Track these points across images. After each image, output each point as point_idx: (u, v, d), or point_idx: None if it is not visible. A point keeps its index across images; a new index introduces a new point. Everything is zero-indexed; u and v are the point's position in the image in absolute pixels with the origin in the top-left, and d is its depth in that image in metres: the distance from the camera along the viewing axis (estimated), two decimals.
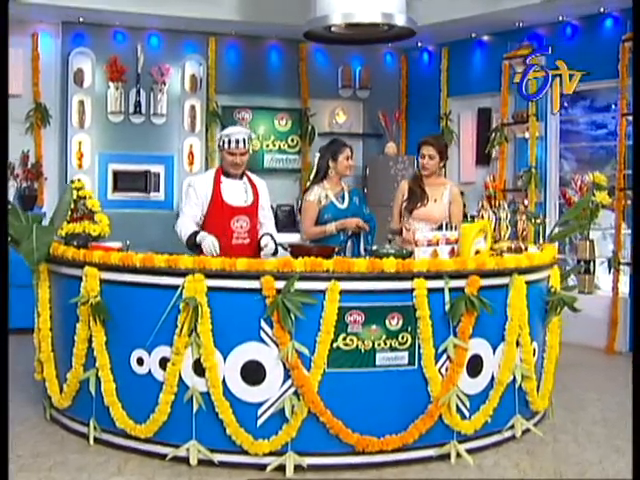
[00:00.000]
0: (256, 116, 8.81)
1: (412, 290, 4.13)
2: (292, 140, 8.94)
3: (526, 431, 4.69)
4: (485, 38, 8.44)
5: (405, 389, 4.19)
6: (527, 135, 7.90)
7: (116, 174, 8.21)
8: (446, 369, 4.23)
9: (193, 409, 4.10)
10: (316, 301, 4.00)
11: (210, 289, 4.07)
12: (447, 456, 4.26)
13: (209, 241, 4.77)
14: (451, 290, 4.22)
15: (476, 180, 8.64)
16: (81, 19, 7.83)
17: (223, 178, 5.08)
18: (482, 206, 5.43)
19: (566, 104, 8.15)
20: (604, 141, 8.01)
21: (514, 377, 4.53)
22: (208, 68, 8.51)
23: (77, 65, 8.02)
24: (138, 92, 8.19)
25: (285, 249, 4.55)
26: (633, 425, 3.86)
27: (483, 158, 8.51)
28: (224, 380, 4.08)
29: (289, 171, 8.89)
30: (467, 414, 4.33)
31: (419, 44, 8.99)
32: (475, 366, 4.36)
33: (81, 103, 8.04)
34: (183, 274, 4.10)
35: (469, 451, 4.34)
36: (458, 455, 4.26)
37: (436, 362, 4.20)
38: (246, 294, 4.05)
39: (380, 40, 6.19)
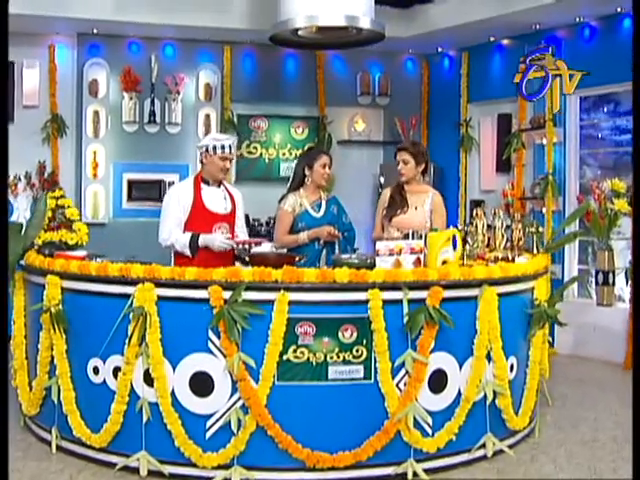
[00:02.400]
0: (272, 124, 8.79)
1: (367, 301, 4.00)
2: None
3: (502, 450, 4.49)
4: (504, 42, 8.21)
5: (360, 404, 4.06)
6: (545, 141, 7.63)
7: (131, 183, 8.30)
8: (405, 384, 4.08)
9: (143, 419, 4.06)
10: (263, 312, 3.92)
11: (160, 298, 4.04)
12: (406, 475, 4.10)
13: (218, 240, 4.79)
14: (412, 302, 4.08)
15: (496, 188, 8.39)
16: (95, 30, 7.96)
17: (203, 185, 5.07)
18: (476, 214, 5.28)
19: (588, 108, 7.87)
20: (629, 146, 7.66)
21: (485, 394, 4.35)
22: (223, 77, 8.53)
23: (92, 76, 8.15)
24: (152, 102, 8.26)
25: (242, 259, 4.47)
26: (633, 424, 3.64)
27: (503, 165, 8.27)
28: (173, 391, 4.04)
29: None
30: (430, 431, 4.17)
31: (439, 49, 8.84)
32: (438, 381, 4.19)
33: (96, 113, 8.16)
34: (135, 283, 4.08)
35: (434, 470, 4.18)
36: (417, 474, 4.09)
37: (393, 377, 4.05)
38: (195, 304, 4.01)
39: (351, 44, 6.05)
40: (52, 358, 4.46)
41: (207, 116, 8.53)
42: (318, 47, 6.29)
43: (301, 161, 5.25)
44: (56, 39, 8.12)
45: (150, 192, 8.31)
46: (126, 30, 8.04)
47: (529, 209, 7.96)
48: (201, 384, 4.01)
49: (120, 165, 8.29)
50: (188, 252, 4.89)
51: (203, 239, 4.86)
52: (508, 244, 5.26)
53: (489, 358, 4.35)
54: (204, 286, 3.97)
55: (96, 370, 4.25)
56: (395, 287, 4.05)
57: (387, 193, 5.29)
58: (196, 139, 8.41)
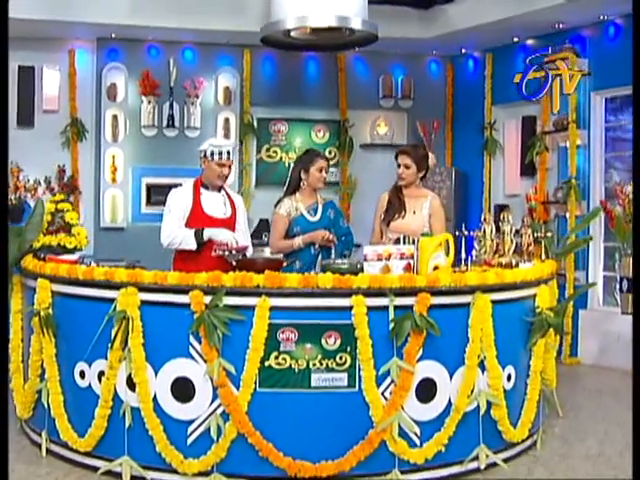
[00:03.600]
0: (292, 128, 8.79)
1: (351, 308, 3.96)
2: (330, 152, 8.82)
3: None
4: (529, 42, 8.07)
5: (344, 413, 4.02)
6: (568, 144, 7.47)
7: (149, 187, 8.38)
8: (390, 393, 4.03)
9: (126, 424, 4.09)
10: (244, 317, 3.91)
11: (143, 303, 4.06)
12: None
13: (221, 234, 4.78)
14: (399, 308, 4.02)
15: (521, 192, 8.25)
16: (113, 35, 8.07)
17: (202, 190, 5.09)
18: (484, 219, 5.21)
19: (614, 109, 7.68)
20: None
21: (478, 404, 4.26)
22: (243, 80, 8.58)
23: (110, 80, 8.28)
24: (171, 106, 8.35)
25: (230, 264, 4.46)
26: (633, 423, 3.66)
27: (528, 169, 8.12)
28: (155, 396, 4.05)
29: (327, 184, 8.73)
30: (417, 442, 4.10)
31: (463, 51, 8.75)
32: (427, 391, 4.12)
33: (115, 117, 8.29)
34: (119, 287, 4.11)
35: None
36: None
37: (378, 385, 4.00)
38: (177, 309, 4.02)
39: (343, 46, 6.01)
40: (42, 361, 4.51)
41: (226, 120, 8.58)
42: (311, 48, 6.27)
43: (297, 164, 5.23)
44: (76, 44, 8.28)
45: None
46: (145, 34, 8.13)
47: (553, 214, 7.80)
48: (182, 390, 4.02)
49: (139, 169, 8.38)
50: (192, 244, 4.86)
51: (207, 234, 4.85)
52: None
53: (483, 367, 4.27)
54: (186, 291, 3.97)
55: (82, 374, 4.29)
56: (380, 293, 4.00)
57: (385, 197, 5.24)
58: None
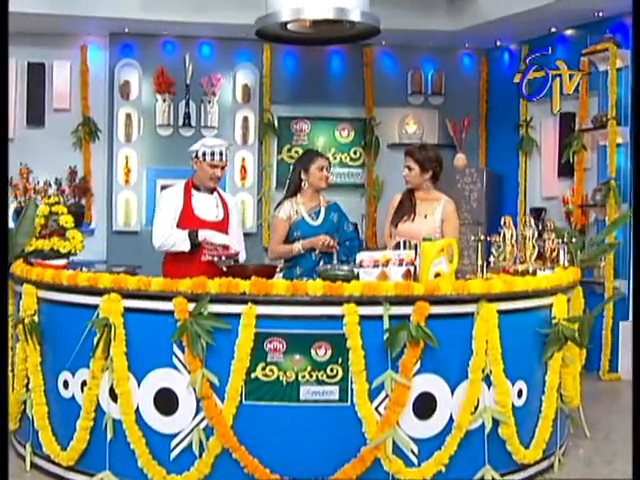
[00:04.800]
0: (315, 127, 8.79)
1: (342, 317, 3.95)
2: (355, 152, 8.83)
3: None
4: (567, 33, 7.95)
5: (335, 428, 4.01)
6: (608, 142, 7.34)
7: (164, 189, 8.44)
8: (385, 408, 4.00)
9: (108, 437, 4.14)
10: (229, 326, 3.93)
11: (127, 310, 4.11)
12: None
13: (216, 237, 4.85)
14: (395, 318, 4.00)
15: (559, 194, 8.12)
16: (127, 30, 8.19)
17: (194, 192, 5.16)
18: (504, 223, 5.17)
19: None
20: None
21: (484, 422, 4.20)
22: (262, 77, 8.62)
23: (124, 77, 8.39)
24: (187, 104, 8.42)
25: (221, 269, 4.48)
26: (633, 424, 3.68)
27: (566, 169, 7.98)
28: (138, 408, 4.09)
29: (352, 186, 8.77)
30: (415, 460, 4.07)
31: (498, 43, 8.65)
32: (425, 406, 4.09)
33: (128, 116, 8.39)
34: (102, 293, 4.16)
35: None
36: None
37: (371, 399, 3.99)
38: (161, 316, 4.06)
39: (345, 40, 5.99)
40: (27, 370, 4.59)
41: (245, 119, 8.64)
42: (310, 42, 6.28)
43: (296, 165, 5.26)
44: (88, 39, 8.41)
45: None
46: (159, 29, 8.23)
47: (592, 218, 7.66)
48: (166, 401, 4.05)
49: (153, 170, 8.48)
50: (186, 245, 4.94)
51: (202, 235, 4.93)
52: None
53: (489, 382, 4.21)
54: (170, 297, 4.01)
55: (66, 384, 4.35)
56: (375, 302, 3.98)
57: (397, 198, 5.25)
58: (233, 143, 8.53)
